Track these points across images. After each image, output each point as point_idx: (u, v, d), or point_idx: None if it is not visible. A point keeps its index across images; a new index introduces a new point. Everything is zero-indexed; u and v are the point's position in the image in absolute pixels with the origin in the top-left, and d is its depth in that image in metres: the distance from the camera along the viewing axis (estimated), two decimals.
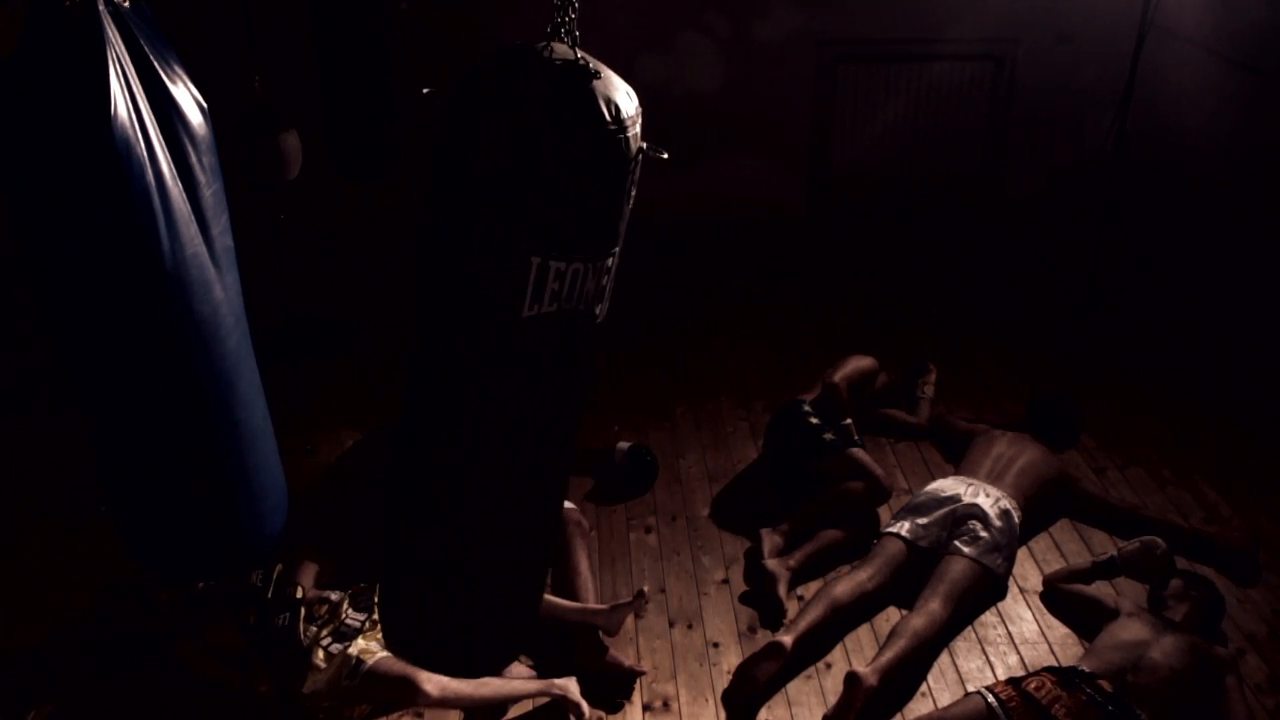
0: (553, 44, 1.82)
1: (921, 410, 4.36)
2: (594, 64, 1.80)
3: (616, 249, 1.93)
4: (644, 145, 1.85)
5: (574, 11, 1.84)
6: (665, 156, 1.85)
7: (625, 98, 1.82)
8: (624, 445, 4.06)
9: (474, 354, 1.90)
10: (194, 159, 2.21)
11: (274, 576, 3.10)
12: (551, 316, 1.86)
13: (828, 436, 3.82)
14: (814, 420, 3.88)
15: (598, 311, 1.96)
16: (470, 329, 1.89)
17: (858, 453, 3.78)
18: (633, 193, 1.89)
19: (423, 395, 2.03)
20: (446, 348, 1.94)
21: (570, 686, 2.98)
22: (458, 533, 2.07)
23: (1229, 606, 3.30)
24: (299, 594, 3.06)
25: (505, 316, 1.84)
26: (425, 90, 1.90)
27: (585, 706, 2.94)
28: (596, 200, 1.83)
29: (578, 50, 1.82)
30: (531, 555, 2.19)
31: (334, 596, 3.11)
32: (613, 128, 1.77)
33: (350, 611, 3.06)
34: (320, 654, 2.92)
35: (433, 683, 2.84)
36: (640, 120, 1.85)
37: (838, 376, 4.03)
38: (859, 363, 4.16)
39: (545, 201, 1.78)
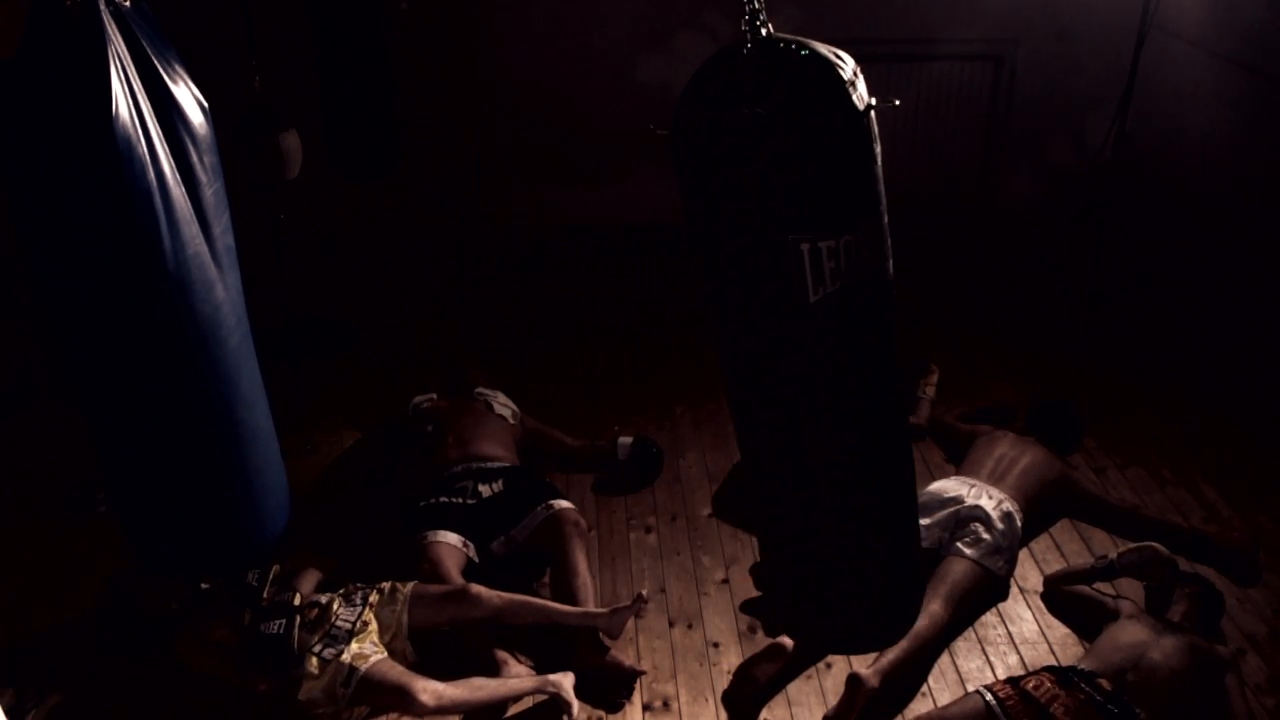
0: (749, 36, 1.82)
1: (922, 410, 4.36)
2: (797, 40, 1.80)
3: (881, 208, 1.90)
4: (872, 101, 1.83)
5: (761, 1, 1.84)
6: (897, 104, 1.85)
7: (839, 60, 1.81)
8: (626, 439, 4.07)
9: (779, 351, 1.90)
10: (195, 158, 2.22)
11: (270, 576, 3.10)
12: (839, 293, 1.84)
13: None
14: None
15: (886, 272, 1.94)
16: (766, 329, 1.89)
17: None
18: (878, 150, 1.86)
19: (751, 407, 2.04)
20: (752, 352, 1.95)
21: (564, 683, 2.97)
22: (827, 521, 2.06)
23: (1229, 606, 3.31)
24: (296, 600, 3.06)
25: (795, 307, 1.84)
26: (659, 131, 1.91)
27: (576, 706, 2.94)
28: (844, 169, 1.82)
29: (774, 33, 1.83)
30: (901, 521, 2.17)
31: (323, 599, 3.10)
32: (837, 92, 1.76)
33: (340, 613, 3.04)
34: (314, 661, 2.90)
35: (428, 691, 2.83)
36: (861, 78, 1.83)
37: None
38: None
39: (798, 187, 1.77)
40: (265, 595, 3.06)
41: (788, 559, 2.20)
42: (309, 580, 3.23)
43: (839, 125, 1.79)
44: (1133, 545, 3.32)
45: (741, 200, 1.81)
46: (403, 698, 2.84)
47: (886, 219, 1.92)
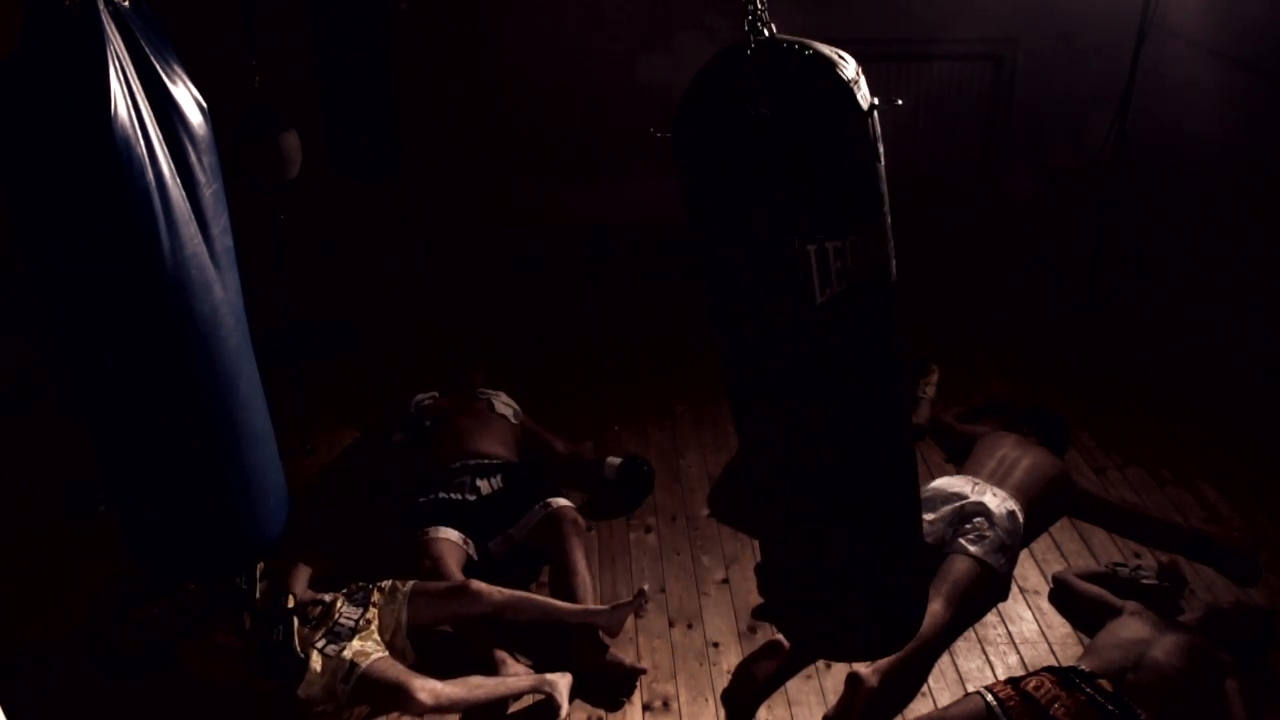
0: (753, 37, 1.83)
1: (921, 410, 4.36)
2: (800, 41, 1.81)
3: (884, 208, 1.91)
4: (875, 101, 1.84)
5: (764, 2, 1.84)
6: (900, 104, 1.85)
7: (842, 60, 1.82)
8: (614, 460, 3.96)
9: (785, 353, 1.91)
10: (194, 159, 2.22)
11: (256, 575, 3.10)
12: (846, 294, 1.84)
13: None
14: None
15: (890, 271, 1.94)
16: (771, 330, 1.89)
17: None
18: (880, 149, 1.87)
19: (754, 409, 2.03)
20: (757, 356, 1.94)
21: (560, 684, 2.97)
22: (831, 528, 2.06)
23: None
24: (290, 603, 3.06)
25: (802, 310, 1.84)
26: (657, 134, 1.91)
27: (565, 710, 2.94)
28: (849, 169, 1.82)
29: (777, 35, 1.83)
30: (905, 525, 2.17)
31: (327, 598, 3.10)
32: (840, 92, 1.77)
33: (344, 610, 3.05)
34: (316, 656, 2.91)
35: (426, 690, 2.83)
36: (864, 78, 1.84)
37: None
38: None
39: (803, 188, 1.78)
40: (258, 596, 3.06)
41: (789, 562, 2.19)
42: (300, 578, 3.23)
43: (843, 125, 1.79)
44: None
45: (746, 202, 1.81)
46: (401, 696, 2.84)
47: (890, 219, 1.93)
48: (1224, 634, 3.06)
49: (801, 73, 1.77)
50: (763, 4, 1.84)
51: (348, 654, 2.91)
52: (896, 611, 2.22)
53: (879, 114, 1.85)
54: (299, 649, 2.92)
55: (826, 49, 1.82)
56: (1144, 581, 3.34)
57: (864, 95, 1.81)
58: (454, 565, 3.30)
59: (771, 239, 1.81)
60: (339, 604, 3.07)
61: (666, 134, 1.88)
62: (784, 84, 1.76)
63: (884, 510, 2.09)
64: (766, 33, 1.83)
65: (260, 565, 3.14)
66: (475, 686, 2.93)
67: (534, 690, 2.98)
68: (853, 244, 1.82)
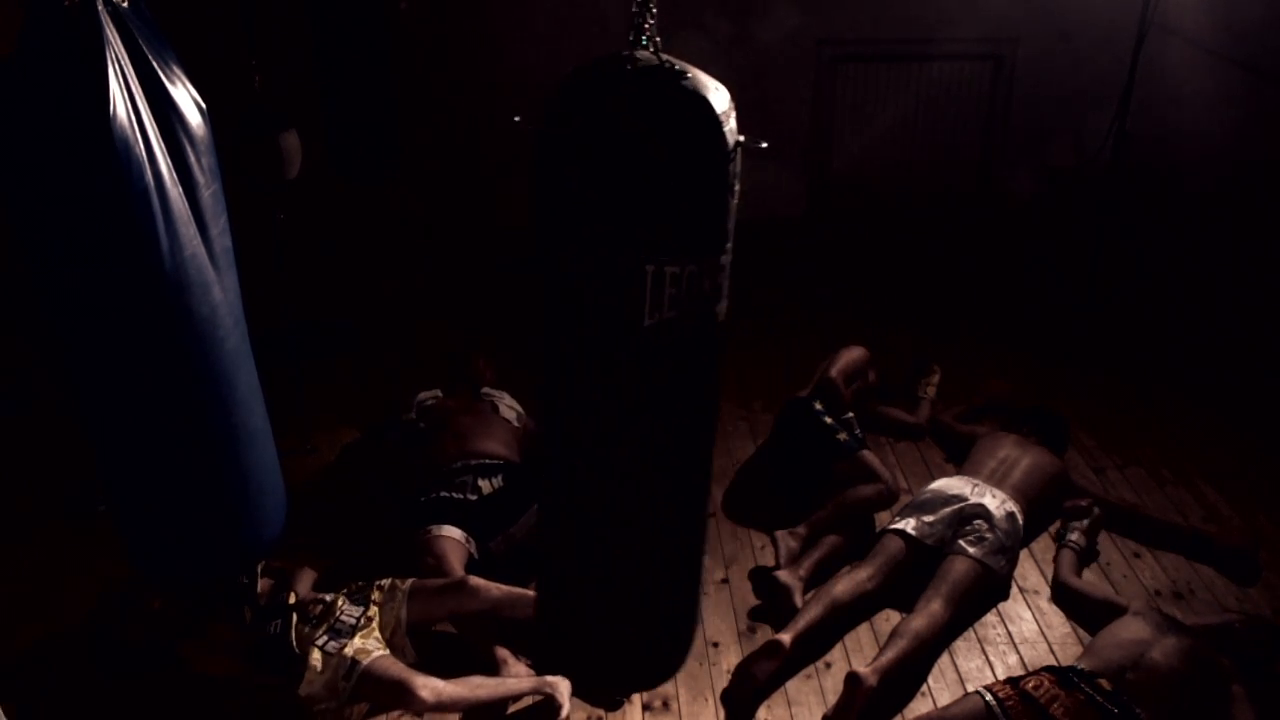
0: (636, 52, 1.82)
1: (922, 410, 4.36)
2: (680, 65, 1.80)
3: (729, 245, 1.92)
4: (741, 138, 1.84)
5: (652, 17, 1.84)
6: (764, 146, 1.85)
7: (716, 93, 1.82)
8: None
9: (603, 369, 1.91)
10: (193, 159, 2.22)
11: (258, 573, 3.11)
12: (673, 322, 1.86)
13: (841, 438, 3.82)
14: (827, 420, 3.88)
15: (718, 310, 1.95)
16: (595, 345, 1.89)
17: (870, 456, 3.79)
18: (737, 187, 1.88)
19: (559, 416, 2.04)
20: (576, 366, 1.94)
21: (561, 685, 2.97)
22: (611, 545, 2.07)
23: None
24: (291, 599, 3.06)
25: (628, 328, 1.84)
26: (516, 119, 1.90)
27: (566, 710, 2.93)
28: (702, 200, 1.83)
29: (660, 54, 1.82)
30: (687, 555, 2.18)
31: (328, 597, 3.11)
32: (708, 125, 1.77)
33: (345, 608, 3.06)
34: (316, 654, 2.92)
35: (428, 688, 2.84)
36: (734, 113, 1.84)
37: (834, 371, 4.04)
38: (851, 354, 4.17)
39: (652, 208, 1.78)
40: (260, 591, 3.07)
41: (569, 578, 2.19)
42: (305, 579, 3.24)
43: (705, 158, 1.80)
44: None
45: (596, 210, 1.80)
46: (402, 693, 2.85)
47: (731, 258, 1.94)
48: (1231, 647, 3.06)
49: (675, 98, 1.77)
50: (652, 20, 1.84)
51: (349, 651, 2.92)
52: (661, 637, 2.23)
53: (742, 151, 1.86)
54: (296, 645, 2.93)
55: (705, 79, 1.83)
56: (1069, 538, 3.54)
57: (731, 129, 1.82)
58: (456, 563, 3.31)
59: (613, 251, 1.81)
60: (340, 602, 3.08)
61: (531, 125, 1.87)
62: (656, 106, 1.76)
63: (669, 540, 2.11)
64: (651, 48, 1.83)
65: (262, 563, 3.14)
66: (476, 686, 2.93)
67: (535, 691, 2.98)
68: (690, 274, 1.83)
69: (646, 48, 1.85)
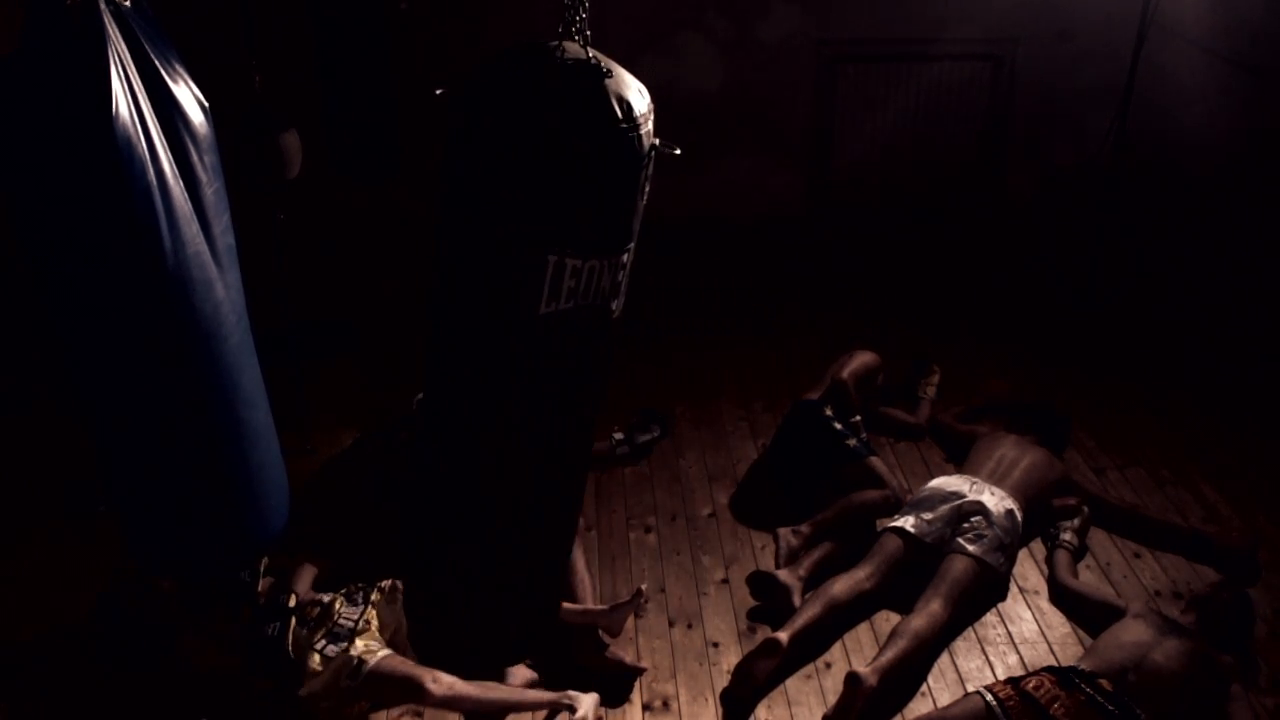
0: (564, 43, 1.83)
1: (922, 410, 4.36)
2: (605, 62, 1.82)
3: (631, 245, 1.94)
4: (656, 142, 1.86)
5: (585, 11, 1.85)
6: (677, 152, 1.87)
7: (637, 95, 1.83)
8: (619, 435, 4.14)
9: (492, 352, 1.91)
10: (195, 158, 2.22)
11: (260, 570, 3.10)
12: (569, 313, 1.87)
13: (850, 443, 3.81)
14: (837, 426, 3.87)
15: (614, 307, 1.97)
16: (488, 327, 1.90)
17: (877, 462, 3.79)
18: (647, 189, 1.90)
19: (442, 394, 2.04)
20: (465, 346, 1.95)
21: (585, 700, 2.91)
22: (478, 530, 2.08)
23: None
24: (290, 601, 3.06)
25: (523, 314, 1.85)
26: (438, 91, 1.90)
27: None
28: (611, 198, 1.84)
29: (589, 49, 1.83)
30: (552, 549, 2.20)
31: (325, 598, 3.10)
32: (624, 125, 1.78)
33: (343, 612, 3.04)
34: (315, 658, 2.91)
35: (439, 680, 2.83)
36: (653, 117, 1.86)
37: (846, 373, 4.03)
38: (864, 358, 4.16)
39: (560, 200, 1.79)
40: (260, 590, 3.06)
41: (440, 564, 2.20)
42: (305, 577, 3.23)
43: (619, 158, 1.81)
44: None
45: (506, 195, 1.81)
46: (414, 687, 2.84)
47: (631, 259, 1.95)
48: (1211, 621, 3.09)
49: (597, 96, 1.77)
50: (584, 14, 1.84)
51: (354, 651, 2.91)
52: (509, 628, 2.26)
53: (656, 155, 1.87)
54: (292, 650, 2.92)
55: (628, 78, 1.84)
56: (1062, 538, 3.56)
57: (648, 132, 1.83)
58: None
59: (517, 237, 1.81)
60: (338, 605, 3.07)
61: (450, 99, 1.86)
62: (577, 101, 1.77)
63: (536, 533, 2.12)
64: (580, 41, 1.84)
65: (265, 560, 3.13)
66: (490, 689, 2.91)
67: (554, 706, 2.94)
68: (591, 268, 1.85)
69: (575, 40, 1.85)
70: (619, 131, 1.78)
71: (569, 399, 2.00)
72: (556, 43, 1.83)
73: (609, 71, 1.80)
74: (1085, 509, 3.68)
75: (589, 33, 1.86)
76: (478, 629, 2.21)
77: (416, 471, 2.15)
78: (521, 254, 1.81)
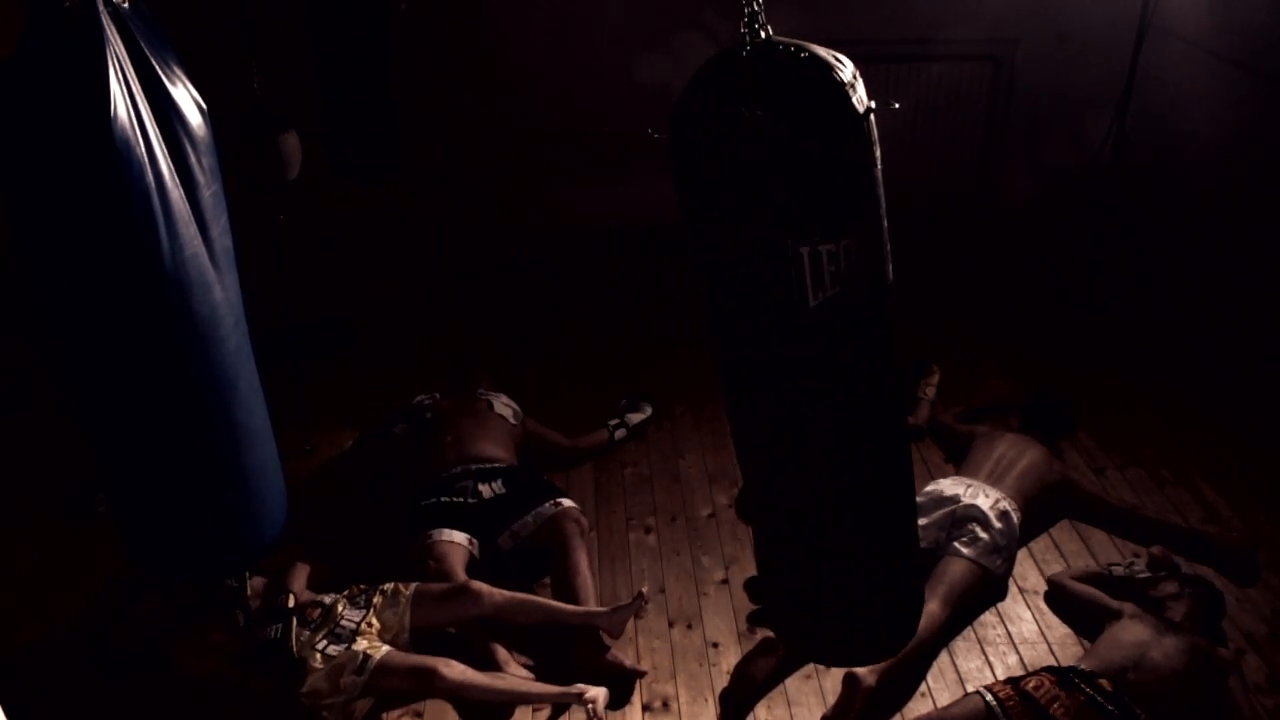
0: (748, 39, 1.82)
1: (921, 411, 4.36)
2: (795, 43, 1.80)
3: (880, 211, 1.91)
4: (871, 104, 1.83)
5: (759, 4, 1.83)
6: (897, 106, 1.85)
7: (840, 64, 1.81)
8: (614, 422, 4.24)
9: (777, 354, 1.91)
10: (193, 160, 2.22)
11: (246, 575, 3.10)
12: (840, 297, 1.85)
13: None
14: None
15: (888, 275, 1.94)
16: (764, 332, 1.90)
17: None
18: (876, 153, 1.87)
19: (747, 410, 2.05)
20: (750, 355, 1.95)
21: (599, 696, 2.94)
22: (824, 528, 2.07)
23: (1228, 606, 3.30)
24: (290, 602, 3.06)
25: (794, 311, 1.84)
26: (654, 134, 1.91)
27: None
28: (844, 172, 1.82)
29: (773, 37, 1.82)
30: (900, 529, 2.17)
31: (327, 600, 3.10)
32: (838, 97, 1.76)
33: (345, 614, 3.05)
34: (317, 657, 2.91)
35: (450, 665, 2.85)
36: (860, 80, 1.83)
37: None
38: None
39: (797, 190, 1.78)
40: (252, 593, 3.07)
41: (785, 566, 2.20)
42: (300, 577, 3.23)
43: (839, 128, 1.79)
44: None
45: (739, 203, 1.81)
46: (425, 674, 2.86)
47: (886, 223, 1.93)
48: (1203, 615, 3.12)
49: (797, 75, 1.77)
50: (759, 5, 1.84)
51: (358, 648, 2.91)
52: (891, 615, 2.22)
53: (876, 117, 1.85)
54: (295, 650, 2.92)
55: (824, 51, 1.82)
56: (1139, 576, 3.36)
57: (860, 98, 1.80)
58: (458, 567, 3.31)
59: (764, 241, 1.81)
60: (340, 607, 3.07)
61: (664, 136, 1.87)
62: (779, 86, 1.76)
63: (878, 514, 2.09)
64: (764, 34, 1.83)
65: (248, 571, 3.13)
66: (500, 679, 2.93)
67: (562, 698, 2.96)
68: (846, 248, 1.82)
69: (759, 33, 1.84)
70: (835, 105, 1.76)
71: (866, 378, 1.97)
72: (744, 40, 1.82)
73: (804, 50, 1.78)
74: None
75: (770, 27, 1.84)
76: (838, 617, 2.19)
77: (757, 495, 2.18)
78: (775, 254, 1.80)
